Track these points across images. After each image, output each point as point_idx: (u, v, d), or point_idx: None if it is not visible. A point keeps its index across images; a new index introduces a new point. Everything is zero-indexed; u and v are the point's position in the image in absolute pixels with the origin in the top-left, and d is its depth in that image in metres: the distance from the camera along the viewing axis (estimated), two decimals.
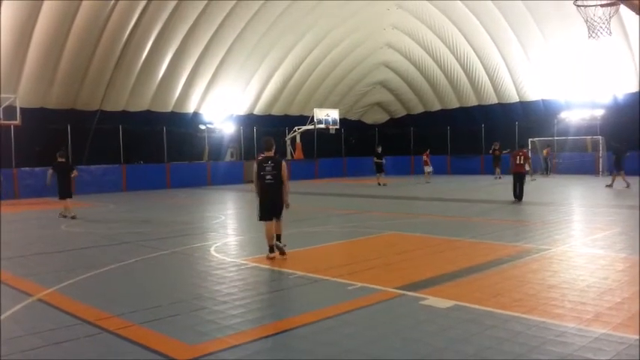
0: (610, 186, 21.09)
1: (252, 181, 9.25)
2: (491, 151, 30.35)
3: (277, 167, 8.59)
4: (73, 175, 15.87)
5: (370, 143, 38.10)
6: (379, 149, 27.17)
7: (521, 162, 16.93)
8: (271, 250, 8.61)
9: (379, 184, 25.81)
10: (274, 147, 8.89)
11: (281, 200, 8.73)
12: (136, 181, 27.41)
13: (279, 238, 8.76)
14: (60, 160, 15.63)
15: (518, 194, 16.78)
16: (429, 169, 28.45)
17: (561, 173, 30.20)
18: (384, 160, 27.24)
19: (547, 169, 30.50)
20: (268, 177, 8.58)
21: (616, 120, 28.83)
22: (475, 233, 10.75)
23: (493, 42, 31.41)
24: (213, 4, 27.14)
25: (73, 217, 15.19)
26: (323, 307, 5.83)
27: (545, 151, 30.56)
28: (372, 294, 6.29)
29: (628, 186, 20.53)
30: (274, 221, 8.69)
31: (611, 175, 21.48)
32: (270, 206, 8.67)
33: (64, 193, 15.50)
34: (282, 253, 8.66)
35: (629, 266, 7.46)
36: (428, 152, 29.01)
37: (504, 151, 29.41)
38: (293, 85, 35.11)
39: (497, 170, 29.29)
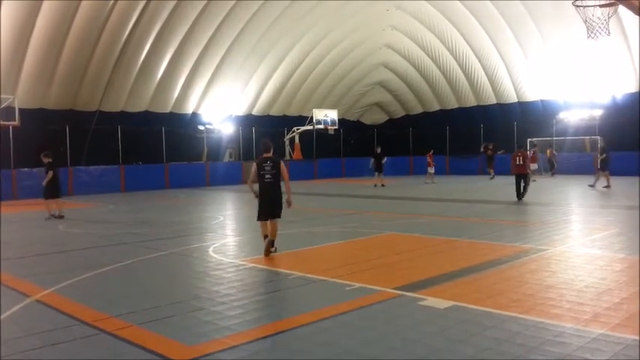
0: (608, 187, 21.13)
1: (246, 182, 9.50)
2: (482, 150, 30.33)
3: (276, 167, 8.93)
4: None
5: (369, 144, 38.15)
6: (378, 149, 26.84)
7: (521, 162, 16.98)
8: (265, 237, 8.93)
9: (375, 185, 25.41)
10: (272, 148, 9.17)
11: (280, 199, 9.01)
12: (134, 182, 27.40)
13: (272, 243, 8.95)
14: (47, 160, 15.56)
15: (522, 194, 16.85)
16: (431, 170, 28.43)
17: (560, 173, 30.23)
18: (384, 160, 26.68)
19: (552, 169, 30.35)
20: (267, 176, 8.91)
21: (615, 120, 28.90)
22: (474, 233, 10.75)
23: (492, 42, 31.46)
24: (212, 4, 27.15)
25: (49, 218, 15.15)
26: (321, 308, 5.83)
27: (548, 152, 30.52)
28: (371, 294, 6.29)
29: (593, 186, 20.98)
30: (269, 222, 8.91)
31: (604, 175, 21.54)
32: (269, 205, 8.94)
33: (51, 193, 15.46)
34: (274, 250, 9.04)
35: (627, 267, 7.47)
36: (431, 153, 29.01)
37: (498, 152, 29.55)
38: (292, 85, 35.13)
39: (491, 170, 29.35)
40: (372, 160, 26.60)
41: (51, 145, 25.13)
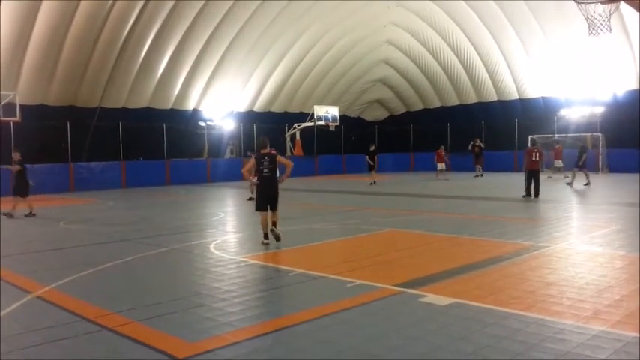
0: (570, 184, 20.95)
1: (245, 179, 10.53)
2: (470, 147, 30.14)
3: (273, 162, 9.61)
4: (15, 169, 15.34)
5: (370, 140, 38.10)
6: (372, 147, 25.95)
7: (537, 159, 16.95)
8: (266, 237, 9.58)
9: (375, 182, 24.76)
10: (269, 144, 9.86)
11: (276, 191, 9.70)
12: (135, 178, 27.41)
13: (274, 225, 9.64)
14: (18, 158, 15.23)
15: (535, 191, 16.76)
16: (441, 166, 28.30)
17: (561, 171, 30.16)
18: (376, 158, 25.86)
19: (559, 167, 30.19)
20: (265, 170, 9.63)
21: (616, 117, 28.88)
22: (474, 230, 10.76)
23: (493, 39, 31.42)
24: (212, 3, 27.10)
25: (10, 216, 14.80)
26: (322, 305, 5.84)
27: (558, 148, 30.28)
28: (372, 291, 6.29)
29: (588, 184, 20.82)
30: (270, 212, 9.59)
31: (578, 172, 21.45)
32: (267, 197, 9.63)
33: (24, 191, 15.27)
34: (278, 239, 9.59)
35: (628, 264, 7.47)
36: (440, 150, 28.83)
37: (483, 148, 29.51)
38: (293, 81, 35.09)
39: (479, 167, 29.20)
40: (367, 157, 25.82)
41: (50, 141, 25.35)
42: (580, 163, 21.07)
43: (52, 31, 23.91)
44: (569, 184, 20.96)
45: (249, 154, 19.80)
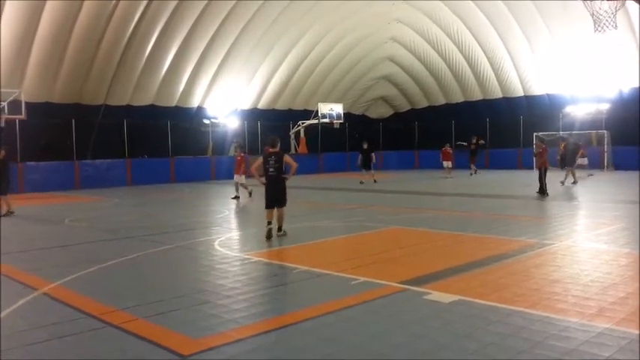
0: (575, 182, 20.73)
1: (251, 172, 10.73)
2: (466, 144, 29.88)
3: (279, 161, 9.80)
4: None
5: (374, 138, 38.06)
6: (365, 145, 24.66)
7: (546, 157, 16.95)
8: (269, 223, 9.82)
9: (362, 182, 23.85)
10: (279, 144, 10.05)
11: (284, 189, 9.95)
12: (140, 176, 27.47)
13: (280, 229, 9.98)
14: (4, 155, 14.98)
15: (544, 189, 16.67)
16: (447, 164, 28.16)
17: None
18: (373, 156, 24.76)
19: (563, 165, 29.94)
20: (271, 169, 9.85)
21: (621, 114, 28.76)
22: (479, 228, 10.74)
23: (498, 36, 31.32)
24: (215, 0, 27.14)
25: (7, 214, 14.72)
26: (326, 302, 5.84)
27: (562, 145, 30.07)
28: (376, 289, 6.29)
29: (575, 182, 20.57)
30: (276, 210, 9.96)
31: (571, 171, 21.19)
32: (273, 195, 9.92)
33: (4, 189, 14.89)
34: (283, 234, 10.06)
35: (632, 261, 7.44)
36: (446, 148, 28.67)
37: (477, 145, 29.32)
38: (297, 79, 35.08)
39: (473, 166, 29.02)
40: (360, 156, 24.59)
41: (55, 139, 25.43)
42: (576, 159, 20.98)
43: (56, 29, 23.97)
44: (574, 182, 20.83)
45: (239, 151, 19.72)
